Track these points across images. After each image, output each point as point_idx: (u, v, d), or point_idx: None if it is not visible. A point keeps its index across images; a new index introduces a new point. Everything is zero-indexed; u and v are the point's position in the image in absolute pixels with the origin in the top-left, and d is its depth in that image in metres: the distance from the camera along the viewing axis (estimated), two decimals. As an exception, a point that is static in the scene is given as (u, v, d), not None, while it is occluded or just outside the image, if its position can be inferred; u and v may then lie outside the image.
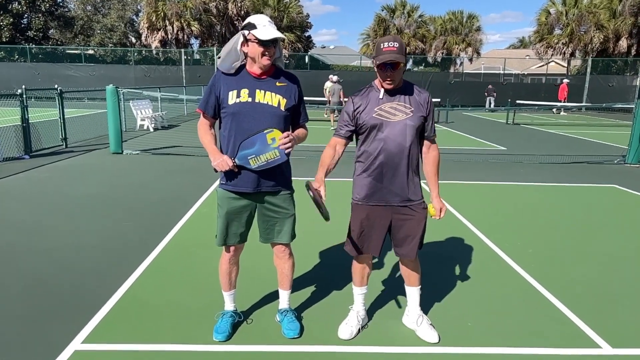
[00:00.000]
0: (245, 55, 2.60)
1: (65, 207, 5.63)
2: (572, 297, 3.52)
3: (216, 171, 2.64)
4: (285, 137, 2.56)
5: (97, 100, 22.80)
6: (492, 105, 24.85)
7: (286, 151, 2.59)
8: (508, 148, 11.74)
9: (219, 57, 2.69)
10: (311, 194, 2.54)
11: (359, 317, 2.99)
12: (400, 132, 2.63)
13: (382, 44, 2.53)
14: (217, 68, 2.70)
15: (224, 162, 2.56)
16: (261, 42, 2.50)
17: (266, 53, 2.54)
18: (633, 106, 10.06)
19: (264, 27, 2.52)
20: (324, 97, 17.31)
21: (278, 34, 2.52)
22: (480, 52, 38.94)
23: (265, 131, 2.55)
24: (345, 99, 13.62)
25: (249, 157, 2.56)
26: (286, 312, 3.00)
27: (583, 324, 3.13)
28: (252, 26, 2.53)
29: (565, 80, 24.49)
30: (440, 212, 2.75)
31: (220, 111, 2.67)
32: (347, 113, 2.71)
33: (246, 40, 2.55)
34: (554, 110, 24.10)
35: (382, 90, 2.65)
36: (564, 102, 23.13)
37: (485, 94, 25.25)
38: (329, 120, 16.00)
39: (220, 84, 2.64)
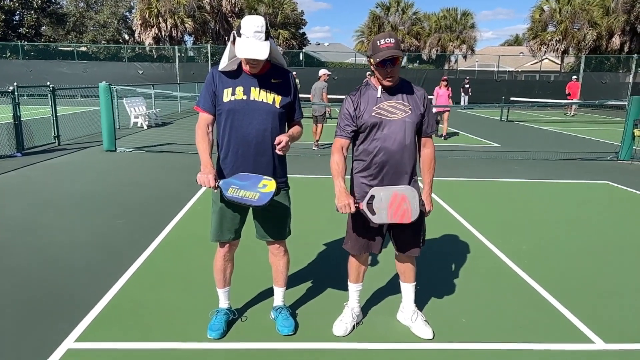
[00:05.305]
0: None
1: (58, 205, 5.59)
2: (566, 293, 3.53)
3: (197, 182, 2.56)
4: (277, 143, 2.54)
5: (90, 98, 22.62)
6: (465, 103, 24.13)
7: (282, 152, 2.58)
8: (502, 145, 11.78)
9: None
10: (355, 210, 2.53)
11: (353, 314, 2.99)
12: (400, 130, 2.63)
13: (378, 42, 2.52)
14: (210, 66, 2.67)
15: (206, 180, 2.49)
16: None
17: (249, 62, 2.52)
18: (626, 103, 10.12)
19: (247, 40, 2.43)
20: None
21: (255, 54, 2.41)
22: (475, 49, 39.05)
23: (265, 177, 2.54)
24: (329, 100, 10.42)
25: (232, 185, 2.53)
26: (281, 309, 3.00)
27: (576, 319, 3.15)
28: (239, 33, 2.45)
29: (574, 77, 23.48)
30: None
31: (216, 109, 2.65)
32: (348, 113, 2.68)
33: (234, 43, 2.50)
34: (567, 113, 22.57)
35: (380, 89, 2.65)
36: (575, 99, 21.55)
37: (461, 90, 24.43)
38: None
39: (217, 81, 2.62)
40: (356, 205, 2.55)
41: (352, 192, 2.77)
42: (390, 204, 2.51)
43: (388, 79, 2.58)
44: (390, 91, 2.65)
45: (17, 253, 4.11)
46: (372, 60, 2.55)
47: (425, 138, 2.75)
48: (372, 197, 2.54)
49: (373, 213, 2.54)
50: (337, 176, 2.61)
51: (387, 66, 2.52)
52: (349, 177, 2.80)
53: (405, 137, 2.63)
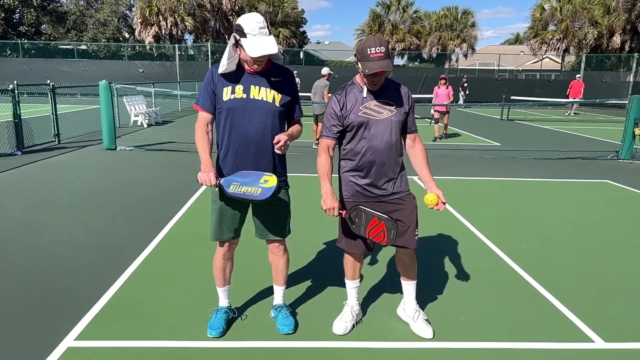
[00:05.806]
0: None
1: (58, 204, 5.59)
2: (566, 292, 3.53)
3: (198, 182, 2.56)
4: (276, 142, 2.54)
5: (90, 96, 22.61)
6: (461, 101, 24.10)
7: (281, 151, 2.58)
8: (502, 144, 11.77)
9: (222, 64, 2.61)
10: (342, 217, 2.60)
11: (353, 313, 2.99)
12: (386, 129, 2.64)
13: (369, 49, 2.48)
14: (211, 64, 2.66)
15: (207, 179, 2.48)
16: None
17: (257, 61, 2.51)
18: (626, 102, 10.11)
19: (254, 38, 2.41)
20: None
21: (268, 50, 2.41)
22: (475, 48, 39.02)
23: (266, 173, 2.55)
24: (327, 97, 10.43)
25: (233, 182, 2.54)
26: (281, 307, 3.00)
27: (576, 318, 3.15)
28: (242, 33, 2.43)
29: (578, 76, 22.88)
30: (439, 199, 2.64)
31: (216, 107, 2.64)
32: (334, 112, 2.67)
33: (237, 45, 2.49)
34: (566, 113, 22.23)
35: (366, 89, 2.65)
36: (578, 99, 21.02)
37: (460, 88, 24.37)
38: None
39: (216, 80, 2.61)
40: (340, 212, 2.60)
41: (341, 191, 2.79)
42: (369, 226, 2.58)
43: (373, 85, 2.61)
44: (375, 91, 2.66)
45: (17, 251, 4.11)
46: (360, 65, 2.54)
47: (412, 134, 2.78)
48: (355, 212, 2.60)
49: (352, 224, 2.62)
50: (323, 177, 2.63)
51: (375, 76, 2.53)
52: (336, 175, 2.82)
53: (391, 135, 2.66)
